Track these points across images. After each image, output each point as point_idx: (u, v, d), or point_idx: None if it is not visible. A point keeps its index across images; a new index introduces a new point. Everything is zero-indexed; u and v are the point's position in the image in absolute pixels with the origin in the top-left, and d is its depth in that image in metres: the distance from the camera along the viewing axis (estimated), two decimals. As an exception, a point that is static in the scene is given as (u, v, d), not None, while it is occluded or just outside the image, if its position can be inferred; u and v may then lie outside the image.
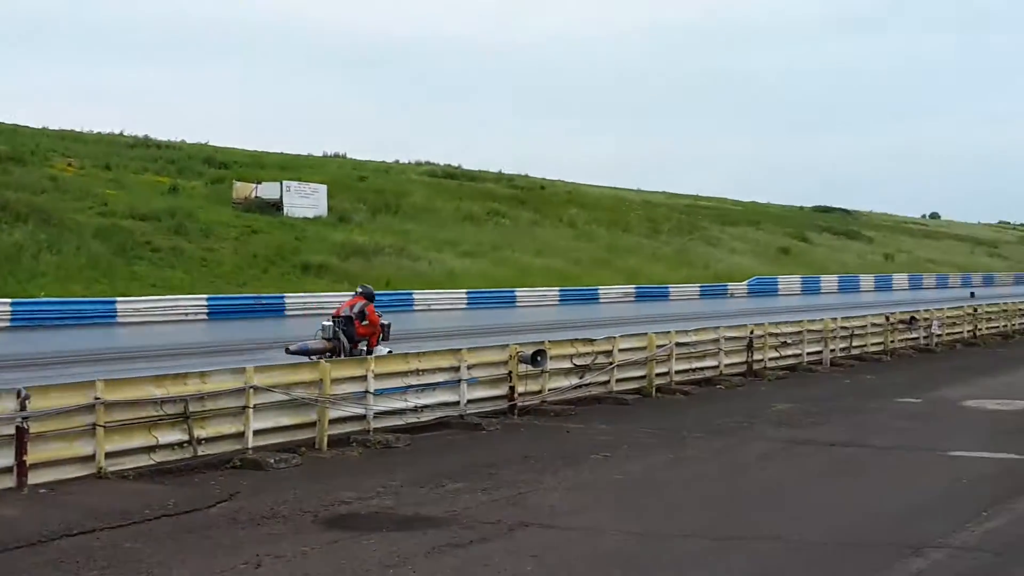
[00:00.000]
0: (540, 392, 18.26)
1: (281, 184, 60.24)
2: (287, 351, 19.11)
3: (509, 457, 14.13)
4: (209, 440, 13.35)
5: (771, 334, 24.55)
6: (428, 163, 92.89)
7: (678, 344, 21.40)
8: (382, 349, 19.23)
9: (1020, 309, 39.69)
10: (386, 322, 20.23)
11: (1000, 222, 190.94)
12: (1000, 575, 9.42)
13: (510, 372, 17.63)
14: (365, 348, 19.52)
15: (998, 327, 37.09)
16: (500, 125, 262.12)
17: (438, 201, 73.20)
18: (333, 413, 14.68)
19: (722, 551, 9.82)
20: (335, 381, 14.73)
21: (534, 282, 56.95)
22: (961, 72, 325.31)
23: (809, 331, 26.04)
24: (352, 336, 19.56)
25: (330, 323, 19.72)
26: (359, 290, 20.60)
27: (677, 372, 21.27)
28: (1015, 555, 9.66)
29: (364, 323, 19.65)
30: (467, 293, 51.53)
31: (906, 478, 13.49)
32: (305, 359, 17.87)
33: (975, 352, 31.68)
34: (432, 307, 48.31)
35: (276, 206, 58.46)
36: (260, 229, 54.80)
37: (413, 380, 16.13)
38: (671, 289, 62.65)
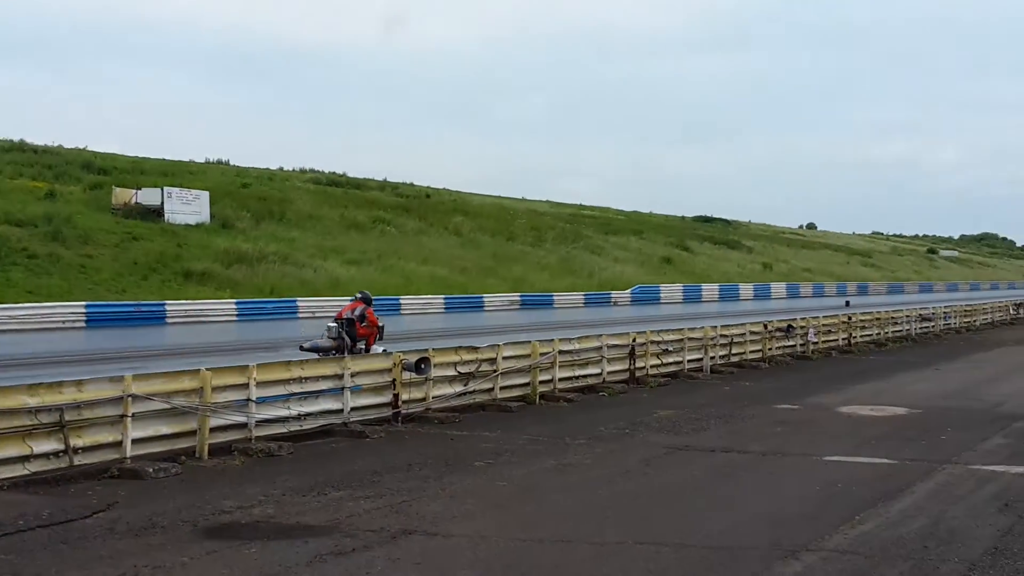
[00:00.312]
0: (424, 400, 18.26)
1: (162, 190, 59.33)
2: (301, 348, 21.52)
3: (393, 465, 14.10)
4: (86, 449, 13.07)
5: (653, 342, 24.83)
6: (313, 170, 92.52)
7: (561, 352, 21.55)
8: (378, 348, 21.44)
9: (892, 318, 40.76)
10: (381, 324, 22.97)
11: (874, 233, 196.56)
12: (871, 576, 9.69)
13: (394, 380, 17.60)
14: (363, 347, 21.98)
15: (871, 335, 38.02)
16: (386, 133, 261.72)
17: (323, 209, 72.80)
18: (214, 421, 14.50)
19: (605, 556, 9.92)
20: (216, 389, 14.56)
21: (419, 290, 56.92)
22: (835, 87, 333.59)
23: (690, 339, 26.40)
24: (354, 336, 22.16)
25: (335, 325, 22.24)
26: (358, 296, 23.28)
27: (561, 379, 21.42)
28: (885, 558, 9.91)
29: (364, 324, 22.40)
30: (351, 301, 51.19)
31: (783, 483, 13.77)
32: (315, 355, 20.32)
33: (849, 359, 32.39)
34: (316, 315, 47.75)
35: (157, 212, 57.57)
36: (141, 236, 53.88)
37: (296, 388, 16.00)
38: (555, 297, 63.10)
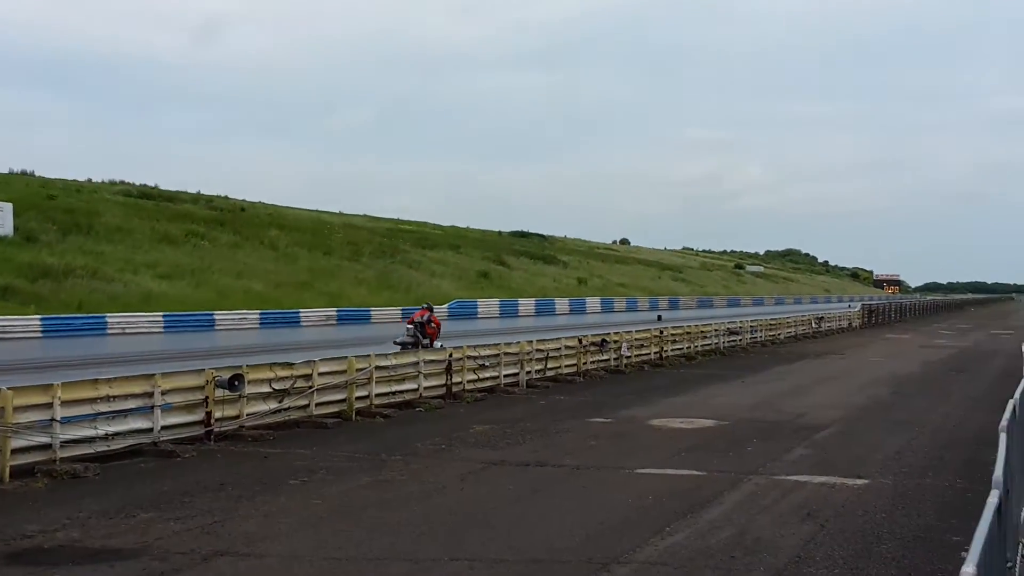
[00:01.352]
0: (238, 417, 17.97)
1: (-38, 202, 56.98)
2: (395, 343, 29.60)
3: (204, 484, 13.84)
4: None
5: (470, 357, 24.95)
6: (123, 183, 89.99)
7: (378, 367, 21.49)
8: (438, 344, 29.66)
9: (702, 332, 41.82)
10: (439, 326, 31.86)
11: (684, 248, 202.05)
12: (681, 586, 9.91)
13: (207, 397, 17.28)
14: (428, 342, 30.14)
15: (682, 349, 38.91)
16: (200, 145, 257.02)
17: (134, 222, 70.90)
18: (16, 443, 14.00)
19: (420, 573, 9.92)
20: (18, 409, 14.07)
21: (234, 305, 56.02)
22: (647, 107, 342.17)
23: (506, 354, 26.61)
24: (424, 334, 30.71)
25: (412, 327, 31.07)
26: (424, 305, 32.84)
27: (377, 395, 21.35)
28: (694, 568, 10.16)
29: (431, 326, 31.17)
30: (164, 316, 50.14)
31: (596, 496, 13.94)
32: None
33: (661, 373, 33.08)
34: (127, 331, 46.79)
35: (-44, 225, 55.29)
36: (-62, 249, 51.62)
37: (103, 407, 15.56)
38: (373, 312, 62.87)
